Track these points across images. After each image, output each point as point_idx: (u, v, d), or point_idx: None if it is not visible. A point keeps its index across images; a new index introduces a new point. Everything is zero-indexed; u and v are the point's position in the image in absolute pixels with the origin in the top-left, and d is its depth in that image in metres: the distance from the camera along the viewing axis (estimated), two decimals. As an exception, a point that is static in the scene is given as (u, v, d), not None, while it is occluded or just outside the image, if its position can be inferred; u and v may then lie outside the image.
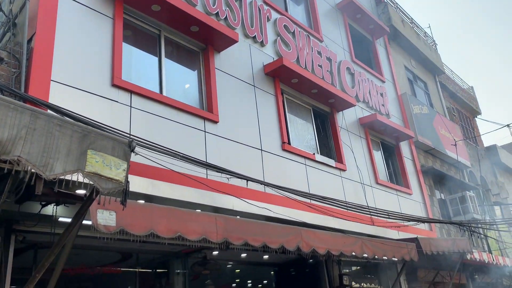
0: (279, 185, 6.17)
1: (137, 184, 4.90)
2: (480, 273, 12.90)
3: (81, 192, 3.62)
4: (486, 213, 15.71)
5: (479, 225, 12.35)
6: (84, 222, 4.64)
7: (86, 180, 2.90)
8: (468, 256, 9.88)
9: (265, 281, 11.60)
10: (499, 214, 17.24)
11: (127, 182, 2.69)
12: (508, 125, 13.73)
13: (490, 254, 12.16)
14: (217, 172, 5.45)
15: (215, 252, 7.42)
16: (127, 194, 2.75)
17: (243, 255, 8.06)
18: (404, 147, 12.36)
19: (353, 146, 9.91)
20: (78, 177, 2.70)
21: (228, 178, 5.75)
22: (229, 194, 5.83)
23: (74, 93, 5.02)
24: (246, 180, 5.74)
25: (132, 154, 2.91)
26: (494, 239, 14.43)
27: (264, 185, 6.09)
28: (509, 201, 18.20)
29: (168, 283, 7.43)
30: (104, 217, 3.70)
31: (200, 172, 5.60)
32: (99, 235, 4.75)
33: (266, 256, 8.57)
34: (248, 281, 11.90)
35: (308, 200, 7.07)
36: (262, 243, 5.18)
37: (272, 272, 9.95)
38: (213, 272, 8.79)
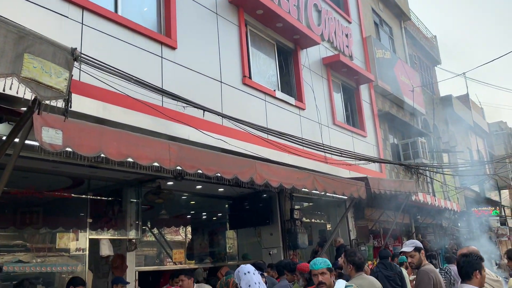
0: (236, 118, 6.11)
1: (87, 105, 4.68)
2: (423, 214, 13.76)
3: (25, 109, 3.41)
4: (434, 160, 16.51)
5: (427, 169, 12.97)
6: (30, 142, 4.45)
7: (29, 96, 2.70)
8: (413, 198, 10.42)
9: (219, 214, 11.88)
10: (447, 161, 18.17)
11: (69, 92, 2.51)
12: (464, 73, 14.07)
13: (434, 197, 12.93)
14: (173, 99, 5.29)
15: (170, 183, 7.42)
16: (69, 102, 2.58)
17: (198, 186, 8.13)
18: (364, 91, 12.51)
19: (314, 85, 9.89)
20: (18, 90, 2.50)
21: (184, 107, 5.62)
22: (184, 124, 5.72)
23: (20, 3, 4.60)
24: (203, 111, 5.64)
25: (81, 73, 2.72)
26: (439, 181, 15.28)
27: (222, 116, 6.01)
28: (457, 149, 19.13)
29: (120, 211, 7.42)
30: (50, 135, 3.52)
31: (155, 98, 5.42)
32: (44, 156, 4.58)
33: (221, 189, 8.69)
34: (203, 213, 12.16)
35: (265, 135, 7.09)
36: (216, 172, 5.17)
37: (227, 205, 10.16)
38: (167, 203, 8.86)
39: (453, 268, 7.55)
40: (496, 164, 21.03)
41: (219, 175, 5.35)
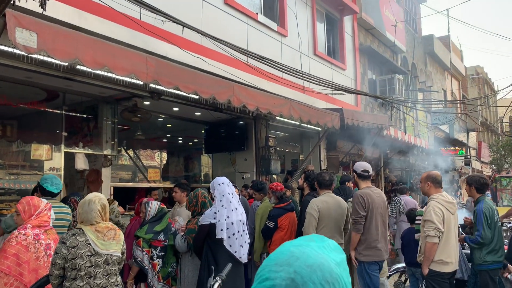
0: (217, 37, 6.00)
1: (61, 11, 4.50)
2: (392, 150, 14.22)
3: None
4: (409, 98, 16.78)
5: (401, 104, 13.22)
6: (3, 48, 4.30)
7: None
8: (385, 132, 10.71)
9: (195, 139, 12.00)
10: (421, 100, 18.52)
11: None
12: (447, 10, 13.93)
13: (405, 133, 13.32)
14: (152, 12, 5.12)
15: (146, 102, 7.38)
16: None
17: (175, 109, 8.11)
18: (347, 22, 12.32)
19: (297, 12, 9.67)
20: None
21: (163, 21, 5.46)
22: (163, 39, 5.59)
23: None
24: (182, 27, 5.50)
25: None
26: (412, 117, 15.68)
27: (202, 34, 5.88)
28: (432, 89, 19.43)
29: (96, 128, 7.41)
30: (24, 37, 3.41)
31: (133, 9, 5.23)
32: (18, 64, 4.46)
33: (198, 113, 8.71)
34: (179, 138, 12.26)
35: (245, 59, 7.02)
36: (193, 91, 5.16)
37: (203, 130, 10.24)
38: (143, 124, 8.87)
39: (404, 198, 8.11)
40: (468, 106, 21.60)
41: (196, 95, 5.35)
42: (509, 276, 4.79)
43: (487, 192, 6.54)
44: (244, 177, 9.26)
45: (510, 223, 8.64)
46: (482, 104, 24.71)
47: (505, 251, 4.72)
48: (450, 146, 20.21)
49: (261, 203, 5.83)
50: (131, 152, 11.33)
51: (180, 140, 12.44)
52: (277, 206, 5.36)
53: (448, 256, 4.16)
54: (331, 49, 11.74)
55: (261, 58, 6.87)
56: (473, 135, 26.50)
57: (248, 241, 4.08)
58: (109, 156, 7.26)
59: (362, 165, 4.88)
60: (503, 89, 27.24)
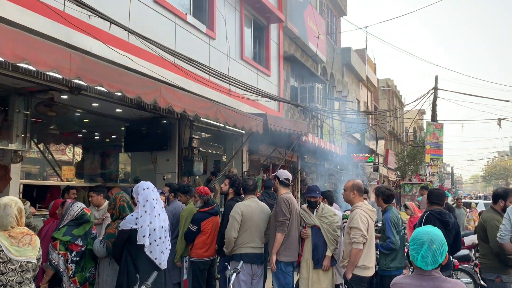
0: (145, 36, 5.88)
1: (-24, -4, 4.13)
2: (309, 155, 14.90)
3: None
4: (327, 106, 17.67)
5: (319, 112, 13.86)
6: None
7: None
8: (304, 138, 11.21)
9: (114, 136, 11.55)
10: (337, 109, 19.58)
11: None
12: (365, 27, 14.90)
13: (321, 140, 14.01)
14: (77, 5, 4.89)
15: (64, 96, 6.98)
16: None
17: (95, 104, 7.78)
18: (273, 30, 12.67)
19: (226, 16, 9.76)
20: None
21: (89, 16, 5.23)
22: (88, 34, 5.36)
23: None
24: (109, 23, 5.32)
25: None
26: (328, 124, 16.51)
27: (129, 32, 5.73)
28: (348, 99, 20.63)
29: (6, 120, 6.85)
30: None
31: (57, 1, 4.95)
32: None
33: (119, 110, 8.41)
34: (96, 133, 11.71)
35: (172, 59, 6.95)
36: (118, 90, 4.99)
37: (123, 128, 9.90)
38: (59, 118, 8.35)
39: None
40: (378, 116, 23.22)
41: (121, 94, 5.19)
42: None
43: None
44: (165, 177, 9.13)
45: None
46: (391, 115, 26.69)
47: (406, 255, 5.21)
48: (361, 153, 21.58)
49: (185, 205, 5.83)
50: (42, 146, 10.61)
51: (97, 135, 11.89)
52: (201, 210, 5.40)
53: (370, 261, 4.52)
54: (257, 55, 12.00)
55: (188, 60, 6.85)
56: (381, 143, 28.56)
57: (169, 247, 4.07)
58: (20, 152, 6.75)
59: (285, 173, 5.13)
60: (410, 103, 29.71)
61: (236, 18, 10.44)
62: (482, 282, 6.39)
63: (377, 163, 24.43)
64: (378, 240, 4.99)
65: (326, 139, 15.54)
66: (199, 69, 7.08)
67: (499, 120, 18.50)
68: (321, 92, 15.28)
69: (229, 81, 7.77)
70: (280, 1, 13.11)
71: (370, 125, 22.35)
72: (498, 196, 5.06)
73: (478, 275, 6.72)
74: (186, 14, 8.30)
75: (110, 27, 5.31)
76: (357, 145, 21.88)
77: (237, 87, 8.34)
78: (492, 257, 4.81)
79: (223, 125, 8.87)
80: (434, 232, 2.38)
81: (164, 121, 9.04)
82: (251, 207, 4.87)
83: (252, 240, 4.90)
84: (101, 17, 5.15)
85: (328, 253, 4.95)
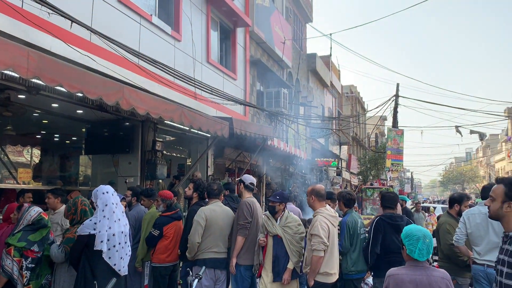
0: (108, 36, 5.74)
1: None
2: (275, 159, 14.97)
3: None
4: (292, 111, 17.85)
5: (285, 117, 13.97)
6: None
7: None
8: (269, 142, 11.26)
9: (74, 138, 11.19)
10: (302, 114, 19.81)
11: None
12: (330, 34, 15.18)
13: (286, 144, 14.13)
14: (36, 2, 4.71)
15: (22, 96, 6.71)
16: None
17: (54, 105, 7.52)
18: (240, 34, 12.70)
19: (192, 18, 9.70)
20: None
21: (49, 14, 5.06)
22: (48, 32, 5.17)
23: None
24: (71, 22, 5.16)
25: None
26: (293, 130, 16.66)
27: (91, 31, 5.58)
28: (312, 104, 20.91)
29: (-43, 120, 6.53)
30: None
31: (14, -4, 4.76)
32: None
33: (80, 111, 8.16)
34: (56, 135, 11.32)
35: (136, 60, 6.82)
36: (79, 90, 4.84)
37: (84, 129, 9.62)
38: (15, 118, 8.02)
39: (289, 206, 8.50)
40: (342, 122, 23.66)
41: (82, 94, 5.04)
42: (365, 282, 5.40)
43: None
44: (127, 181, 8.93)
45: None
46: (354, 121, 27.26)
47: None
48: (325, 158, 21.89)
49: (148, 209, 5.71)
50: (-4, 148, 10.14)
51: (56, 137, 11.49)
52: (164, 214, 5.31)
53: (332, 268, 4.50)
54: (223, 58, 11.98)
55: (153, 61, 6.74)
56: (344, 148, 29.11)
57: (130, 253, 3.97)
58: (-28, 154, 6.43)
59: (250, 178, 5.13)
60: (372, 109, 30.51)
61: (203, 20, 10.38)
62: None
63: (340, 168, 24.86)
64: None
65: (291, 144, 15.67)
66: (163, 71, 6.98)
67: (457, 127, 19.25)
68: (287, 97, 15.41)
69: (195, 84, 7.71)
70: (247, 5, 13.16)
71: (334, 130, 22.74)
72: (454, 201, 5.25)
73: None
74: (151, 15, 8.18)
75: (71, 26, 5.15)
76: (321, 149, 22.20)
77: (203, 90, 8.28)
78: (449, 260, 4.99)
79: (187, 128, 8.78)
80: (423, 230, 2.90)
81: (127, 123, 8.84)
82: (216, 211, 4.83)
83: (215, 245, 4.87)
84: (62, 15, 4.99)
85: (290, 266, 4.63)
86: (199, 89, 8.32)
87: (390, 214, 4.94)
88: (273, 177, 16.53)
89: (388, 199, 5.09)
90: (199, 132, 9.28)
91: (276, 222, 4.79)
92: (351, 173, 30.96)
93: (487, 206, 2.63)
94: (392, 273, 2.90)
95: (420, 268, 2.82)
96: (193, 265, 4.81)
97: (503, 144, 58.16)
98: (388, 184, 20.61)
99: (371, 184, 30.03)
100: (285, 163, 15.97)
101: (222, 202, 5.40)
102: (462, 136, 18.65)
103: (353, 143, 33.68)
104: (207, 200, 5.17)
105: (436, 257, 6.21)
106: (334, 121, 24.28)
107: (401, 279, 2.82)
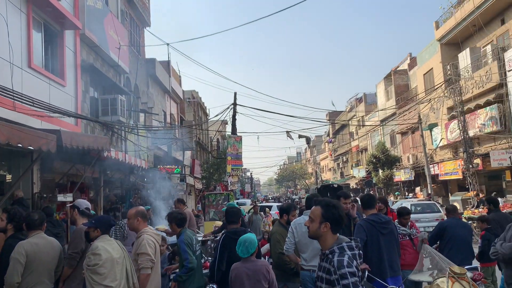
0: None
1: None
2: (113, 170, 14.16)
3: None
4: (131, 118, 17.17)
5: (123, 128, 13.35)
6: None
7: None
8: (106, 154, 10.59)
9: None
10: (143, 121, 19.25)
11: None
12: (168, 44, 15.06)
13: (126, 154, 13.50)
14: None
15: None
16: None
17: None
18: (69, 37, 11.67)
19: (8, 18, 8.52)
20: None
21: None
22: None
23: None
24: None
25: None
26: (132, 142, 16.06)
27: None
28: (153, 111, 20.48)
29: None
30: None
31: None
32: None
33: None
34: None
35: None
36: None
37: None
38: None
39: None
40: (185, 128, 23.73)
41: None
42: None
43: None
44: None
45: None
46: (196, 127, 27.60)
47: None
48: (168, 164, 21.67)
49: None
50: None
51: None
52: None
53: (156, 286, 4.48)
54: (49, 62, 10.84)
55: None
56: (188, 153, 29.27)
57: None
58: None
59: (84, 203, 4.90)
60: (213, 118, 31.50)
61: (22, 21, 9.22)
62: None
63: (183, 174, 24.91)
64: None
65: (131, 153, 15.06)
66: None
67: (287, 132, 21.09)
68: (125, 104, 14.74)
69: (13, 96, 6.77)
70: (77, 6, 12.17)
71: (176, 138, 22.68)
72: (283, 211, 5.68)
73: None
74: (-48, 11, 6.92)
75: None
76: (165, 156, 21.90)
77: (22, 103, 7.34)
78: (279, 267, 5.36)
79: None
80: (245, 236, 4.28)
81: None
82: (38, 245, 4.27)
83: (40, 282, 4.31)
84: None
85: None
86: (18, 101, 7.35)
87: (235, 229, 5.06)
88: (112, 188, 15.64)
89: (232, 215, 5.20)
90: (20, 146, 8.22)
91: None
92: (195, 177, 31.31)
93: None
94: (233, 267, 4.27)
95: (249, 261, 4.23)
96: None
97: (326, 144, 65.99)
98: (229, 188, 21.48)
99: (214, 188, 30.92)
100: (125, 173, 15.27)
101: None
102: (293, 139, 20.68)
103: (196, 148, 34.11)
104: (24, 230, 4.53)
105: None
106: (177, 128, 24.22)
107: (237, 269, 4.21)
